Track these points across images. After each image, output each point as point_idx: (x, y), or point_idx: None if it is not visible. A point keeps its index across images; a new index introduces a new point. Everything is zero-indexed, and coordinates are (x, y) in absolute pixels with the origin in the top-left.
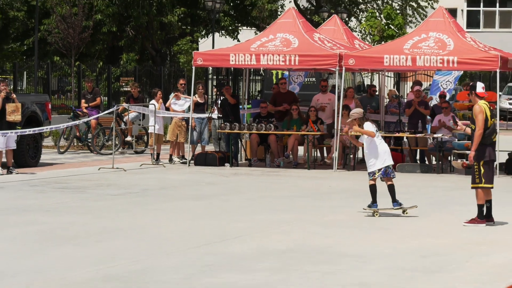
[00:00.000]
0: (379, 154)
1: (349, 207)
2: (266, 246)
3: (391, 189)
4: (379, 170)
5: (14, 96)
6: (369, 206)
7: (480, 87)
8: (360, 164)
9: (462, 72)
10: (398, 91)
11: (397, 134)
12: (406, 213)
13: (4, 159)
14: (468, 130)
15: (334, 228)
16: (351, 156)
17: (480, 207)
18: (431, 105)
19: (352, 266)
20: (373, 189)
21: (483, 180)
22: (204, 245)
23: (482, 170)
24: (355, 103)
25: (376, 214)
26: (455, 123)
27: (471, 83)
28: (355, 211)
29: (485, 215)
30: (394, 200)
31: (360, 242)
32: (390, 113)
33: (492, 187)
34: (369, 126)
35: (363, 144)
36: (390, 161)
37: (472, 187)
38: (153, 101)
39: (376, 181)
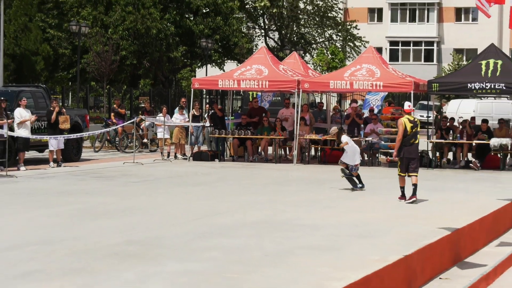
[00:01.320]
0: (355, 154)
1: (305, 191)
2: (245, 219)
3: (358, 177)
4: (355, 166)
5: (64, 110)
6: (358, 187)
7: (406, 105)
8: (313, 160)
9: (387, 93)
10: (340, 107)
11: None
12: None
13: (55, 156)
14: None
15: (294, 207)
16: (306, 154)
17: (401, 188)
18: (364, 117)
19: (307, 233)
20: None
21: (399, 170)
22: (200, 219)
23: (399, 163)
24: (309, 115)
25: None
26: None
27: (401, 102)
28: (308, 194)
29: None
30: (360, 182)
31: (313, 216)
32: (335, 123)
33: (404, 176)
34: (345, 138)
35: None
36: (358, 160)
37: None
38: (160, 114)
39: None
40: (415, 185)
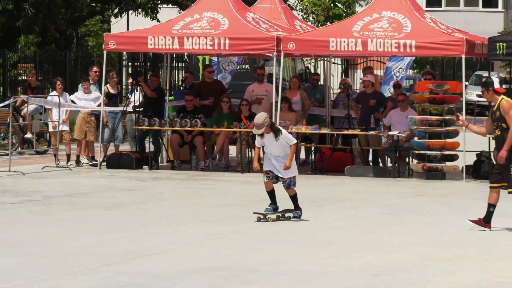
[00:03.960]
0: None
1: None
2: (190, 263)
3: (295, 198)
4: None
5: None
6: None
7: (496, 82)
8: (303, 167)
9: (413, 58)
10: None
11: (346, 132)
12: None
13: None
14: (475, 128)
15: (272, 242)
16: None
17: (490, 208)
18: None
19: (291, 286)
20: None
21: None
22: (117, 263)
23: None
24: (301, 95)
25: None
26: (457, 117)
27: (485, 79)
28: (296, 221)
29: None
30: (297, 207)
31: (300, 258)
32: (342, 107)
33: (497, 187)
34: (285, 134)
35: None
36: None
37: (510, 192)
38: (54, 93)
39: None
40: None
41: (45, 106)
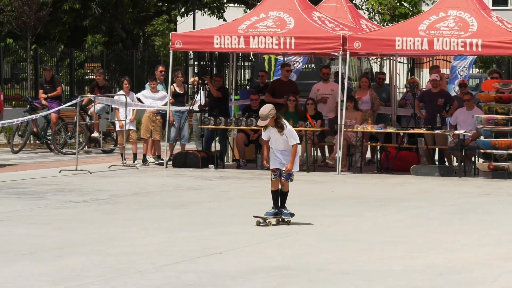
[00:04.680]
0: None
1: (354, 216)
2: (256, 263)
3: (284, 197)
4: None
5: None
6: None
7: None
8: (368, 166)
9: (475, 57)
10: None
11: (411, 131)
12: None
13: None
14: None
15: (337, 242)
16: (358, 156)
17: None
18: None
19: (357, 286)
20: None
21: None
22: (183, 262)
23: None
24: (371, 95)
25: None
26: None
27: None
28: (361, 221)
29: None
30: (282, 205)
31: (366, 257)
32: (409, 106)
33: None
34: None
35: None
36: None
37: None
38: (122, 91)
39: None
40: None
41: (112, 106)
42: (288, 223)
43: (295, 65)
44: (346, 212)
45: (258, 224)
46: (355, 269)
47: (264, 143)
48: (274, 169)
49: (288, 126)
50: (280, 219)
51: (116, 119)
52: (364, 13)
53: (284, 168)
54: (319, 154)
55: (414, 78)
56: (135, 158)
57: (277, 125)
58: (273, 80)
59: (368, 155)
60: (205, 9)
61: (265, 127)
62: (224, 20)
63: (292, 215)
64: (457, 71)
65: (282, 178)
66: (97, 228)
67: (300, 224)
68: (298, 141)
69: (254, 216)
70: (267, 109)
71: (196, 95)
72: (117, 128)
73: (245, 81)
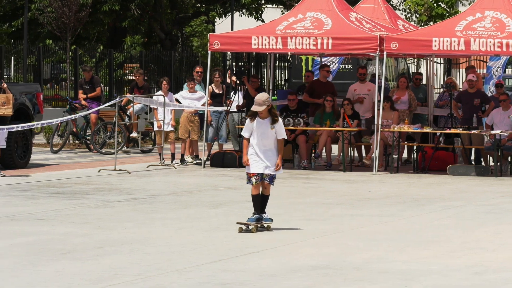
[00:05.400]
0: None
1: (392, 215)
2: (294, 262)
3: (264, 200)
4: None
5: (5, 85)
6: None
7: None
8: (405, 166)
9: (508, 57)
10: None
11: (448, 131)
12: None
13: None
14: None
15: (374, 241)
16: (395, 156)
17: None
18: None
19: (395, 285)
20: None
21: None
22: (221, 261)
23: None
24: (409, 95)
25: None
26: None
27: None
28: (398, 220)
29: None
30: (261, 209)
31: (404, 256)
32: (446, 107)
33: None
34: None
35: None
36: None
37: None
38: (160, 92)
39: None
40: None
41: (151, 106)
42: (268, 229)
43: (331, 65)
44: (383, 212)
45: (241, 230)
46: (393, 269)
47: (245, 142)
48: (255, 173)
49: (280, 119)
50: (259, 225)
51: (155, 119)
52: (401, 13)
53: (267, 172)
54: (356, 154)
55: (452, 78)
56: (173, 158)
57: (271, 115)
58: (312, 80)
59: (405, 155)
60: (243, 10)
61: (252, 118)
62: (262, 21)
63: (272, 220)
64: (492, 72)
65: (266, 181)
66: (136, 227)
67: (338, 223)
68: (285, 136)
69: (238, 223)
70: (264, 96)
71: (233, 95)
72: (156, 128)
73: (282, 82)
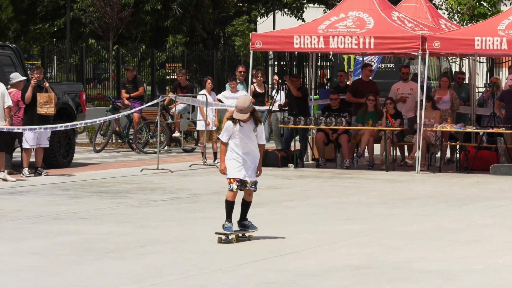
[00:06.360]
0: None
1: (434, 215)
2: (335, 261)
3: (245, 207)
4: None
5: (47, 84)
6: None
7: None
8: (448, 165)
9: None
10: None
11: (490, 130)
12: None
13: (32, 158)
14: None
15: (416, 240)
16: (437, 155)
17: None
18: None
19: (436, 285)
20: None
21: None
22: (263, 260)
23: None
24: (451, 95)
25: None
26: None
27: None
28: (440, 220)
29: None
30: (243, 218)
31: (446, 256)
32: (488, 106)
33: None
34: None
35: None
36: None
37: None
38: (203, 91)
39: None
40: None
41: (194, 105)
42: (250, 238)
43: (372, 63)
44: (425, 211)
45: (220, 241)
46: (435, 268)
47: (223, 146)
48: (237, 178)
49: (261, 123)
50: (241, 235)
51: (202, 118)
52: (444, 13)
53: (250, 179)
54: (398, 153)
55: (497, 78)
56: (215, 157)
57: (254, 119)
58: (354, 80)
59: (448, 154)
60: (285, 9)
61: (236, 122)
62: (303, 20)
63: (257, 228)
64: None
65: (251, 188)
66: (178, 226)
67: (380, 223)
68: (265, 143)
69: (216, 233)
70: (246, 100)
71: (276, 94)
72: (199, 127)
73: (325, 81)
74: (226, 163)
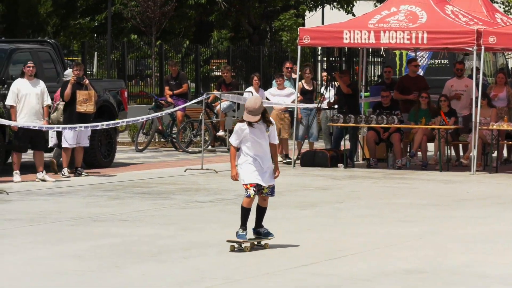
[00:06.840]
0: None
1: (491, 217)
2: (387, 265)
3: (261, 213)
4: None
5: (87, 81)
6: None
7: None
8: (505, 165)
9: None
10: None
11: None
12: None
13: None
14: None
15: (472, 244)
16: (494, 155)
17: None
18: None
19: None
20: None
21: None
22: (311, 264)
23: None
24: (507, 91)
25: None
26: None
27: None
28: (498, 222)
29: None
30: (259, 225)
31: (505, 260)
32: None
33: None
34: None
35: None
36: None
37: None
38: (250, 88)
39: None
40: None
41: (239, 103)
42: (266, 246)
43: (421, 60)
44: (482, 213)
45: (233, 249)
46: (493, 273)
47: (233, 150)
48: (254, 184)
49: (274, 122)
50: (256, 243)
51: None
52: (500, 6)
53: (267, 183)
54: (453, 153)
55: None
56: None
57: (265, 120)
58: (401, 76)
59: (505, 154)
60: (334, 3)
61: (250, 123)
62: (353, 15)
63: (273, 235)
64: None
65: (268, 194)
66: (224, 228)
67: (434, 225)
68: (277, 142)
69: (228, 241)
70: (257, 101)
71: (325, 92)
72: None
73: (376, 77)
74: (239, 168)
